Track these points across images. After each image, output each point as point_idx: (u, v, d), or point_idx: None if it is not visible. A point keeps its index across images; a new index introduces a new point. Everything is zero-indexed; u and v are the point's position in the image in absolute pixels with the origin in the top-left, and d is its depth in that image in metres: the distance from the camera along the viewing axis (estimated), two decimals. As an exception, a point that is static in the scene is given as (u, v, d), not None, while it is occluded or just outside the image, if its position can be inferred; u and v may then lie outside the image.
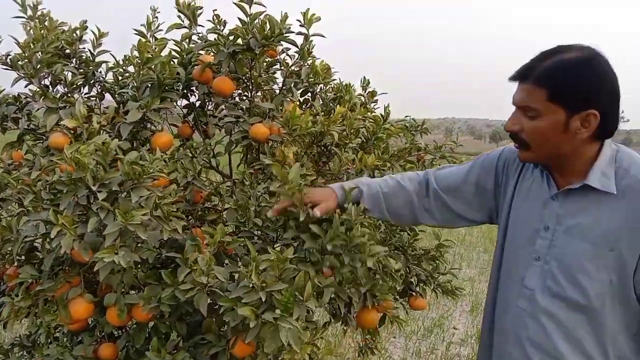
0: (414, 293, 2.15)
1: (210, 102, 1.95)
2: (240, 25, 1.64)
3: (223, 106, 1.87)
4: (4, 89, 1.80)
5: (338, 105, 1.91)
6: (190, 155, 1.81)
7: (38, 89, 1.72)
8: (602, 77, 1.10)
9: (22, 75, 1.70)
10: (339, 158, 1.82)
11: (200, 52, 1.78)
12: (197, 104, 1.94)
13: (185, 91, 1.86)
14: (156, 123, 1.81)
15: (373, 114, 2.15)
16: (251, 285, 1.18)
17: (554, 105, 1.11)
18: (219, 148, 1.99)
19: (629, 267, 1.12)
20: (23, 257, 1.83)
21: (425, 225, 1.58)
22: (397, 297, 2.13)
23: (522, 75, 1.16)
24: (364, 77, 2.28)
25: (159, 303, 1.39)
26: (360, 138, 1.97)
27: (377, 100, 2.19)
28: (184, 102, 1.93)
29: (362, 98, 2.19)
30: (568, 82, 1.09)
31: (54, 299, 1.53)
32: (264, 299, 1.15)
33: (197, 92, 1.87)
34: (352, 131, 1.87)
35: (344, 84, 2.14)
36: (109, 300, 1.48)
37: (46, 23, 1.75)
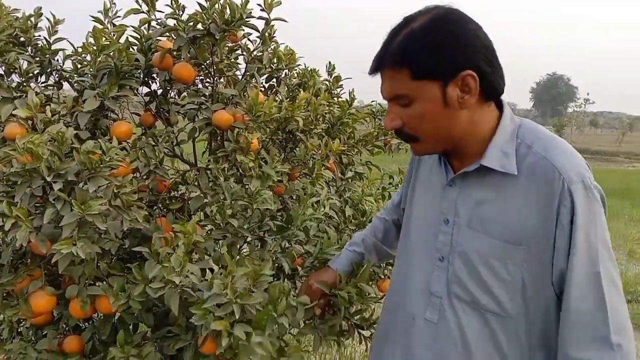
0: (382, 276, 2.18)
1: (171, 89, 1.92)
2: (200, 10, 1.61)
3: (185, 93, 1.84)
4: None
5: (302, 91, 1.89)
6: (153, 143, 1.77)
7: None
8: (461, 32, 0.94)
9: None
10: (305, 144, 1.81)
11: (160, 38, 1.75)
12: (159, 91, 1.90)
13: (146, 78, 1.82)
14: (117, 112, 1.78)
15: (339, 99, 2.15)
16: (225, 298, 1.16)
17: (422, 82, 0.95)
18: (182, 136, 1.96)
19: (543, 263, 0.95)
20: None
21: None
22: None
23: (379, 64, 1.00)
24: (330, 62, 2.28)
25: (129, 299, 1.38)
26: (326, 124, 1.97)
27: (342, 85, 2.18)
28: (145, 89, 1.89)
29: (327, 83, 2.18)
30: (425, 51, 0.93)
31: (14, 292, 1.49)
32: (237, 315, 1.14)
33: (157, 79, 1.83)
34: (317, 117, 1.87)
35: (308, 69, 2.13)
36: (71, 293, 1.45)
37: (-4, 9, 1.69)
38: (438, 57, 0.93)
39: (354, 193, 2.00)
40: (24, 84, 1.77)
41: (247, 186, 1.60)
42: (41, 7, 1.81)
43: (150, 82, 1.86)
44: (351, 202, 1.95)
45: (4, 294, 1.53)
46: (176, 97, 1.98)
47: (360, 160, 2.18)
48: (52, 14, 1.77)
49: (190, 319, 1.59)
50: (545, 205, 0.93)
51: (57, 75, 1.86)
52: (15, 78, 1.78)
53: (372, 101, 2.27)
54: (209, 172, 1.66)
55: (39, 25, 1.78)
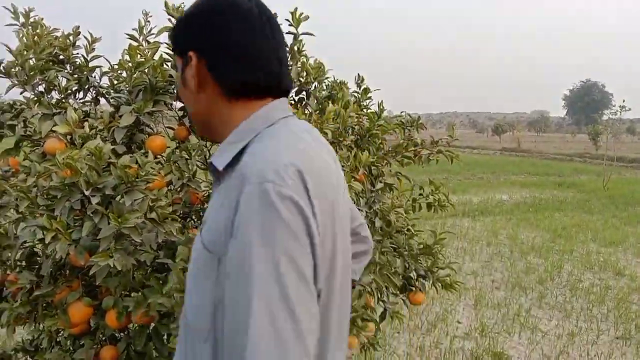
0: (413, 288, 2.16)
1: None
2: (231, 27, 1.64)
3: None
4: (2, 97, 1.82)
5: (331, 104, 1.91)
6: (186, 157, 1.81)
7: (32, 96, 1.73)
8: (201, 12, 0.90)
9: (16, 82, 1.72)
10: (334, 156, 1.82)
11: (192, 54, 1.79)
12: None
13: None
14: (152, 126, 1.82)
15: (368, 110, 2.15)
16: None
17: (177, 56, 0.94)
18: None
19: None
20: (24, 263, 1.85)
21: (421, 226, 1.58)
22: (397, 292, 2.14)
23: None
24: (358, 74, 2.29)
25: (148, 308, 1.41)
26: (355, 135, 1.98)
27: (371, 96, 2.19)
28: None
29: (357, 95, 2.20)
30: (177, 23, 0.94)
31: (53, 303, 1.54)
32: None
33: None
34: (346, 128, 1.88)
35: (337, 81, 2.15)
36: (107, 304, 1.49)
37: (38, 30, 1.76)
38: (176, 31, 0.93)
39: (383, 204, 2.00)
40: (63, 100, 1.84)
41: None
42: (79, 26, 1.88)
43: (183, 97, 1.90)
44: (380, 213, 1.95)
45: (44, 305, 1.58)
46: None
47: (390, 171, 2.17)
48: (89, 32, 1.84)
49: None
50: (229, 207, 0.79)
51: (94, 91, 1.93)
52: (55, 95, 1.85)
53: (401, 112, 2.27)
54: None
55: (77, 43, 1.85)
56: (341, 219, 0.88)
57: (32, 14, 1.79)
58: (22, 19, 1.78)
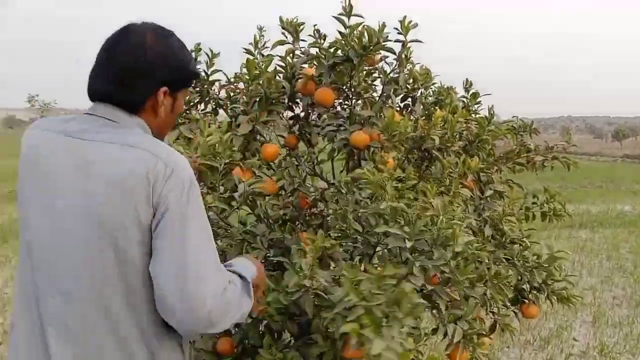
0: (526, 300, 2.06)
1: (313, 113, 2.04)
2: (340, 38, 1.70)
3: (325, 116, 1.95)
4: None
5: (438, 109, 1.90)
6: (296, 163, 1.90)
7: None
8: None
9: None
10: (441, 162, 1.81)
11: (303, 65, 1.88)
12: (302, 115, 2.04)
13: (290, 103, 1.97)
14: (265, 135, 1.94)
15: (477, 115, 2.10)
16: (351, 301, 1.21)
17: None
18: (322, 156, 2.07)
19: None
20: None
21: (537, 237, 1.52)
22: (509, 304, 2.06)
23: None
24: (467, 79, 2.25)
25: (267, 305, 1.49)
26: (464, 141, 1.94)
27: (480, 101, 2.14)
28: (290, 114, 2.04)
29: (465, 100, 2.16)
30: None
31: None
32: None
33: (301, 103, 1.97)
34: (454, 134, 1.86)
35: (444, 87, 2.13)
36: None
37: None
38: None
39: (493, 212, 1.94)
40: (187, 111, 2.02)
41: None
42: (200, 43, 2.04)
43: (294, 106, 2.00)
44: (491, 221, 1.89)
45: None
46: (317, 119, 2.10)
47: (501, 178, 2.10)
48: (210, 49, 2.00)
49: (329, 329, 1.67)
50: None
51: (214, 103, 2.09)
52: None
53: (512, 116, 2.19)
54: (338, 190, 1.74)
55: (198, 59, 2.02)
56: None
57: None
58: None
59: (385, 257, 1.52)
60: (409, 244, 1.32)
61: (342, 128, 1.80)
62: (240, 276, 1.17)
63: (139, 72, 1.11)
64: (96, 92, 1.13)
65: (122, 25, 1.15)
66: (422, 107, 2.09)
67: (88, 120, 1.12)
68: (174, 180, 1.04)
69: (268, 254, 1.74)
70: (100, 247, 1.03)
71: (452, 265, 1.33)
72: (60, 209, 1.06)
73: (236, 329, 1.83)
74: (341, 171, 2.16)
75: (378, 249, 1.58)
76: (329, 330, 1.63)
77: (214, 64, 2.05)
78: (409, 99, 2.10)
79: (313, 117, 2.08)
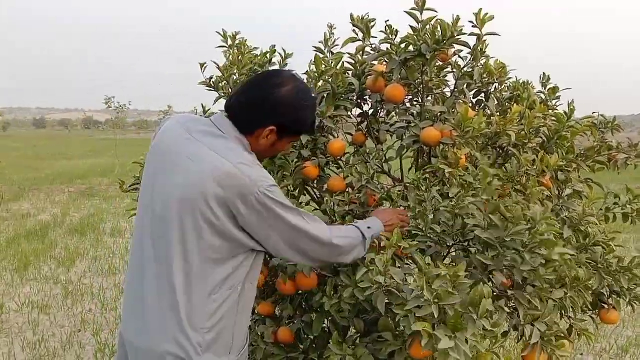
0: (605, 305, 1.95)
1: (382, 110, 2.03)
2: (412, 33, 1.68)
3: (394, 112, 1.93)
4: (210, 109, 2.10)
5: (515, 104, 1.82)
6: (364, 160, 1.89)
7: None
8: None
9: (222, 94, 1.97)
10: (518, 159, 1.74)
11: (373, 62, 1.87)
12: (370, 112, 2.03)
13: (359, 101, 1.97)
14: (333, 131, 1.94)
15: (555, 111, 2.01)
16: (424, 299, 1.19)
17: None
18: (391, 153, 2.05)
19: None
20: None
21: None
22: (587, 309, 1.95)
23: None
24: (544, 73, 2.15)
25: (339, 300, 1.50)
26: (541, 138, 1.86)
27: (559, 97, 2.04)
28: (358, 111, 2.04)
29: (542, 95, 2.06)
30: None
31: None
32: (436, 314, 1.16)
33: (370, 100, 1.96)
34: (531, 130, 1.78)
35: (520, 81, 2.04)
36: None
37: (242, 49, 2.00)
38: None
39: (572, 213, 1.84)
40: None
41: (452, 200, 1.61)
42: (275, 45, 2.08)
43: (362, 104, 1.99)
44: (569, 222, 1.80)
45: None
46: (385, 117, 2.08)
47: (579, 177, 2.00)
48: (283, 49, 2.03)
49: (398, 327, 1.65)
50: None
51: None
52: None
53: (593, 112, 2.08)
54: (416, 186, 1.71)
55: (272, 60, 2.06)
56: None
57: (238, 37, 2.04)
58: (229, 41, 2.04)
59: (459, 259, 1.49)
60: (508, 239, 1.29)
61: (412, 124, 1.78)
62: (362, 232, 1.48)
63: (262, 107, 1.36)
64: (229, 104, 1.41)
65: (278, 69, 1.46)
66: (496, 102, 2.02)
67: (207, 124, 1.39)
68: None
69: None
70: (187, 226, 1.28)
71: (542, 272, 1.28)
72: (168, 188, 1.31)
73: (293, 322, 1.86)
74: (410, 169, 2.13)
75: (452, 248, 1.55)
76: (398, 329, 1.62)
77: (286, 64, 2.08)
78: (482, 95, 2.03)
79: (381, 114, 2.07)
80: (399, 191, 2.07)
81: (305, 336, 1.79)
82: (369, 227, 1.51)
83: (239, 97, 1.38)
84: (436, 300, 1.15)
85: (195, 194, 1.26)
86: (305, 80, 2.03)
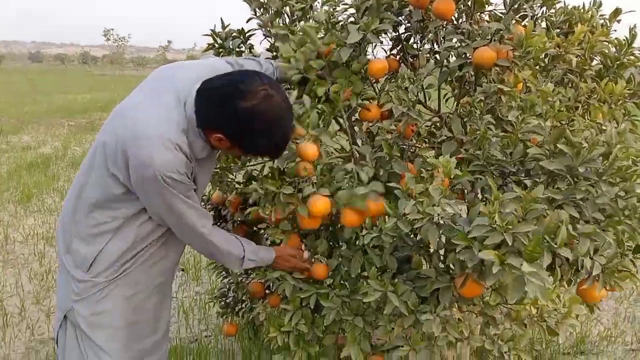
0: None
1: (421, 31, 1.84)
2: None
3: (443, 32, 1.73)
4: (229, 24, 1.90)
5: (580, 25, 1.63)
6: (405, 85, 1.72)
7: (264, 21, 1.79)
8: None
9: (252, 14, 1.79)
10: (576, 86, 1.57)
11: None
12: (404, 36, 1.84)
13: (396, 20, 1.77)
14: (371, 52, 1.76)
15: (614, 37, 1.82)
16: (492, 226, 1.06)
17: None
18: (429, 80, 1.87)
19: None
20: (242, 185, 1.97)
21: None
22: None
23: None
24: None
25: (380, 233, 1.37)
26: (600, 64, 1.69)
27: (620, 20, 1.84)
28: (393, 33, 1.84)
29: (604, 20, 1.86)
30: None
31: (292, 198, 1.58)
32: (510, 242, 1.03)
33: (412, 19, 1.76)
34: (591, 56, 1.61)
35: (569, 7, 1.84)
36: (343, 196, 1.49)
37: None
38: None
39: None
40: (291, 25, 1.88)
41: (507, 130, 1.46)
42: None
43: (399, 24, 1.80)
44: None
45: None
46: (420, 41, 1.89)
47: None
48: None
49: (444, 260, 1.54)
50: None
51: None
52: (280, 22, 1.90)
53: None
54: (468, 112, 1.55)
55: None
56: None
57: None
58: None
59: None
60: (581, 169, 1.14)
61: (463, 44, 1.59)
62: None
63: (215, 109, 1.31)
64: (199, 89, 1.35)
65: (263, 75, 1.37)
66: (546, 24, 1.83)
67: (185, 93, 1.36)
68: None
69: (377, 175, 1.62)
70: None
71: (620, 204, 1.14)
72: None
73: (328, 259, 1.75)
74: (447, 99, 1.97)
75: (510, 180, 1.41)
76: (445, 267, 1.50)
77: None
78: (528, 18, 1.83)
79: (416, 39, 1.88)
80: (434, 123, 1.91)
81: (336, 272, 1.68)
82: (252, 258, 1.58)
83: (206, 86, 1.34)
84: (508, 227, 1.02)
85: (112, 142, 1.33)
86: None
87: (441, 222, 1.22)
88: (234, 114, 1.29)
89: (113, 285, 1.45)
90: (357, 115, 1.80)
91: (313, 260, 1.71)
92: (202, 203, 2.23)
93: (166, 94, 1.36)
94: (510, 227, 1.02)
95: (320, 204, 1.49)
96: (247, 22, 1.85)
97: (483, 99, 1.51)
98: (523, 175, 1.36)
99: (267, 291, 2.00)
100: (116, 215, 1.41)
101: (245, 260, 1.57)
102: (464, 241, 1.09)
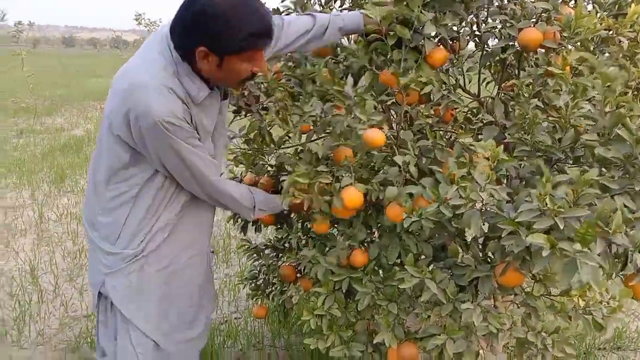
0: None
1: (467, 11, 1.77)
2: None
3: (486, 12, 1.67)
4: (266, 2, 1.87)
5: (634, 4, 1.55)
6: (442, 69, 1.67)
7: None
8: None
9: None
10: (627, 71, 1.49)
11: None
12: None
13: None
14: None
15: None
16: (542, 210, 1.01)
17: None
18: (469, 64, 1.82)
19: None
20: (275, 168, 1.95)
21: None
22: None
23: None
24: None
25: (420, 217, 1.33)
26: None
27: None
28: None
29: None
30: None
31: (329, 187, 1.55)
32: (561, 226, 0.98)
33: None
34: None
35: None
36: (390, 193, 1.44)
37: None
38: None
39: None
40: (324, 7, 1.85)
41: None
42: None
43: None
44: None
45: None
46: (462, 22, 1.83)
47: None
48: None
49: (482, 248, 1.50)
50: None
51: (349, 1, 1.90)
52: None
53: None
54: (516, 94, 1.49)
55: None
56: None
57: None
58: None
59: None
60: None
61: (507, 25, 1.53)
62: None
63: (186, 27, 1.29)
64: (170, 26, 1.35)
65: None
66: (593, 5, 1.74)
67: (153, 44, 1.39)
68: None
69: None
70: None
71: None
72: None
73: (366, 245, 1.73)
74: (487, 83, 1.91)
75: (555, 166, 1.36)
76: (485, 255, 1.46)
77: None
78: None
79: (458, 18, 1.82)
80: (471, 108, 1.86)
81: (385, 260, 1.65)
82: (263, 208, 1.65)
83: (174, 17, 1.33)
84: (560, 210, 0.97)
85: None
86: None
87: (486, 208, 1.18)
88: (200, 14, 1.25)
89: (143, 259, 1.47)
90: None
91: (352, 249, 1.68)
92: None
93: (154, 44, 1.37)
94: (562, 210, 0.97)
95: (355, 197, 1.46)
96: (281, 1, 1.82)
97: (530, 82, 1.44)
98: (571, 162, 1.31)
99: (298, 275, 1.99)
100: (131, 184, 1.43)
101: (256, 211, 1.63)
102: (511, 226, 1.05)
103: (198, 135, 1.43)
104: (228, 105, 1.64)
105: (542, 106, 1.38)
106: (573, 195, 1.01)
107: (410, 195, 1.34)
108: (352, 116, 1.41)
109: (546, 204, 0.98)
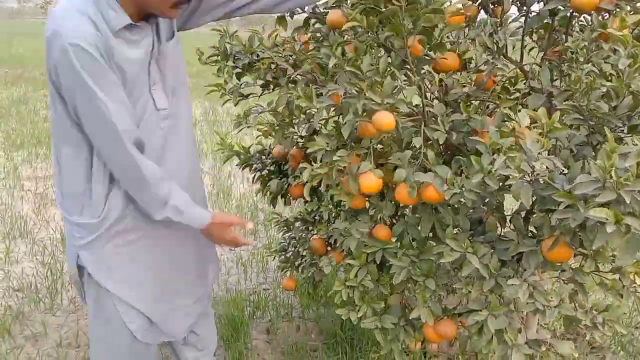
0: None
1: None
2: None
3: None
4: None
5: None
6: (490, 30, 1.58)
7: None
8: None
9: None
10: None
11: None
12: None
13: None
14: None
15: None
16: (602, 182, 0.94)
17: None
18: (512, 28, 1.71)
19: None
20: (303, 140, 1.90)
21: None
22: None
23: None
24: None
25: (461, 190, 1.26)
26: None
27: None
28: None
29: None
30: None
31: (346, 169, 1.51)
32: (628, 200, 0.90)
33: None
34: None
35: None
36: (399, 176, 1.40)
37: None
38: None
39: None
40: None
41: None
42: None
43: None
44: None
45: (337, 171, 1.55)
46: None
47: None
48: None
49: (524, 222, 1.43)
50: None
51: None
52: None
53: None
54: (570, 57, 1.39)
55: None
56: None
57: None
58: None
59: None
60: None
61: (559, -16, 1.42)
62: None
63: None
64: None
65: None
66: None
67: None
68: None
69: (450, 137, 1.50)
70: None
71: None
72: None
73: (394, 221, 1.67)
74: (530, 49, 1.80)
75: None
76: (529, 230, 1.39)
77: None
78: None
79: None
80: (510, 78, 1.76)
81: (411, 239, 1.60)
82: (180, 208, 1.38)
83: None
84: (626, 183, 0.90)
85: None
86: None
87: (534, 180, 1.11)
88: None
89: (112, 231, 1.39)
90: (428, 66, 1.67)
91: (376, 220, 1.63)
92: (263, 156, 2.18)
93: None
94: (629, 183, 0.89)
95: (372, 183, 1.42)
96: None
97: (585, 45, 1.35)
98: (626, 132, 1.22)
99: (328, 248, 1.95)
100: (76, 146, 1.33)
101: (168, 207, 1.37)
102: (568, 199, 0.98)
103: (118, 76, 1.27)
104: (182, 52, 1.50)
105: (597, 71, 1.28)
106: (637, 167, 0.93)
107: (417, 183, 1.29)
108: (366, 97, 1.34)
109: (611, 176, 0.90)
